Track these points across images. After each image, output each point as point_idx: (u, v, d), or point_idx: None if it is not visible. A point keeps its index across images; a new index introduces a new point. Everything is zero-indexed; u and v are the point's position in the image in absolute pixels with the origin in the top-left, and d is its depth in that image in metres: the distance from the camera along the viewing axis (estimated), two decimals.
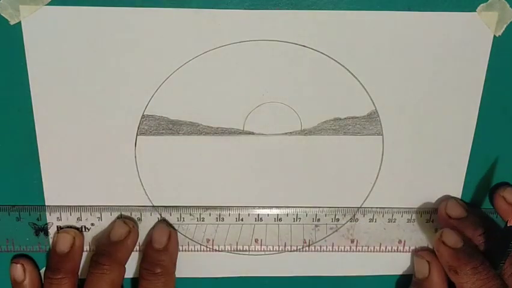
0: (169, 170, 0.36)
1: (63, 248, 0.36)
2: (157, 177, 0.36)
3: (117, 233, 0.36)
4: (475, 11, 0.33)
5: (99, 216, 0.37)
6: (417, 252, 0.38)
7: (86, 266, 0.38)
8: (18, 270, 0.37)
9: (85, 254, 0.38)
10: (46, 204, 0.37)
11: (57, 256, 0.36)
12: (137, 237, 0.37)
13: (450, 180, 0.38)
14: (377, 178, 0.38)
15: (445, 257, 0.35)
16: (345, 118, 0.36)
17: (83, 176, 0.36)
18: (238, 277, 0.40)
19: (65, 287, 0.35)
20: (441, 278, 0.36)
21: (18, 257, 0.38)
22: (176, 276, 0.38)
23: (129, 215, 0.37)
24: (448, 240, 0.35)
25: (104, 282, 0.35)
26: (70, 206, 0.37)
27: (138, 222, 0.37)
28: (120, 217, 0.37)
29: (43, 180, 0.36)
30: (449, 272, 0.35)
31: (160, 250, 0.36)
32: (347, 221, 0.38)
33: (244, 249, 0.39)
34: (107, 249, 0.35)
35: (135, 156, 0.36)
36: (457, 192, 0.38)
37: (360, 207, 0.38)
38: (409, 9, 0.33)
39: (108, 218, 0.37)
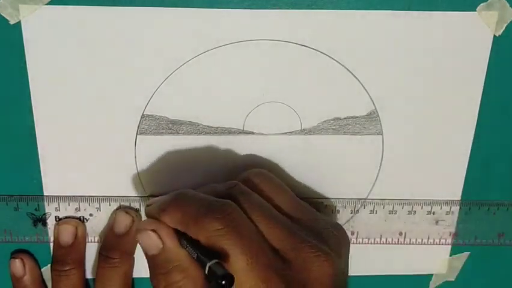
0: (169, 169, 0.36)
1: (66, 239, 0.36)
2: (157, 177, 0.36)
3: (122, 225, 0.35)
4: (475, 10, 0.33)
5: (98, 206, 0.37)
6: (138, 226, 0.32)
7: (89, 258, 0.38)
8: (17, 265, 0.36)
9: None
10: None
11: (62, 248, 0.36)
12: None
13: (450, 180, 0.38)
14: (376, 178, 0.38)
15: (154, 210, 0.31)
16: (345, 118, 0.36)
17: (83, 176, 0.36)
18: None
19: (74, 277, 0.35)
20: (176, 243, 0.30)
21: (17, 252, 0.38)
22: None
23: (128, 205, 0.37)
24: (150, 201, 0.33)
25: (117, 275, 0.35)
26: (69, 196, 0.37)
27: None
28: (119, 208, 0.36)
29: (42, 180, 0.36)
30: (160, 218, 0.31)
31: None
32: (346, 221, 0.38)
33: None
34: (115, 242, 0.35)
35: (135, 156, 0.36)
36: (457, 192, 0.38)
37: (360, 207, 0.38)
38: (409, 9, 0.33)
39: (107, 209, 0.37)
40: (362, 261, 0.40)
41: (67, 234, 0.36)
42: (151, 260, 0.31)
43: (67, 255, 0.36)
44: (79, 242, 0.36)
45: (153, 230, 0.30)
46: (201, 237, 0.28)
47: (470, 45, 0.34)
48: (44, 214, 0.37)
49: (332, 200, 0.38)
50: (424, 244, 0.40)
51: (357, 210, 0.38)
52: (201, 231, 0.28)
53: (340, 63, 0.34)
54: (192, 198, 0.30)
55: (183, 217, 0.29)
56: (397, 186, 0.38)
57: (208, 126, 0.35)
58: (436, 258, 0.41)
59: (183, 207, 0.30)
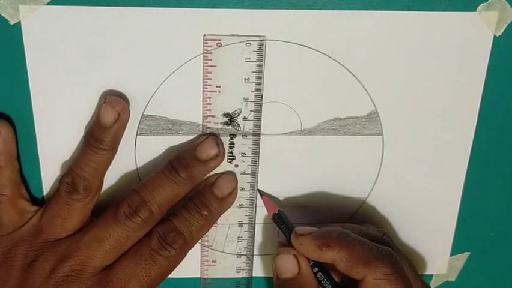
0: None
1: (106, 120, 0.33)
2: None
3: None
4: (475, 11, 0.33)
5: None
6: (278, 250, 0.35)
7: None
8: None
9: None
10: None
11: (99, 126, 0.33)
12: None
13: (450, 180, 0.38)
14: (377, 178, 0.38)
15: (310, 241, 0.33)
16: (345, 118, 0.36)
17: None
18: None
19: (103, 157, 0.34)
20: (311, 271, 0.34)
21: None
22: (175, 276, 0.38)
23: None
24: (302, 230, 0.34)
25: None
26: None
27: None
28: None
29: (42, 180, 0.36)
30: (320, 251, 0.32)
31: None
32: (346, 220, 0.38)
33: (243, 248, 0.39)
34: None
35: (135, 156, 0.36)
36: (457, 193, 0.38)
37: (360, 207, 0.38)
38: (409, 9, 0.33)
39: None
40: None
41: (108, 116, 0.33)
42: (283, 283, 0.34)
43: (102, 135, 0.33)
44: (117, 128, 0.33)
45: (294, 256, 0.34)
46: (369, 277, 0.31)
47: (471, 46, 0.34)
48: None
49: (332, 200, 0.38)
50: (424, 244, 0.40)
51: (357, 210, 0.38)
52: (370, 273, 0.31)
53: (340, 63, 0.34)
54: (356, 240, 0.33)
55: (350, 256, 0.32)
56: (397, 186, 0.38)
57: (208, 126, 0.35)
58: (436, 258, 0.41)
59: (350, 247, 0.32)
